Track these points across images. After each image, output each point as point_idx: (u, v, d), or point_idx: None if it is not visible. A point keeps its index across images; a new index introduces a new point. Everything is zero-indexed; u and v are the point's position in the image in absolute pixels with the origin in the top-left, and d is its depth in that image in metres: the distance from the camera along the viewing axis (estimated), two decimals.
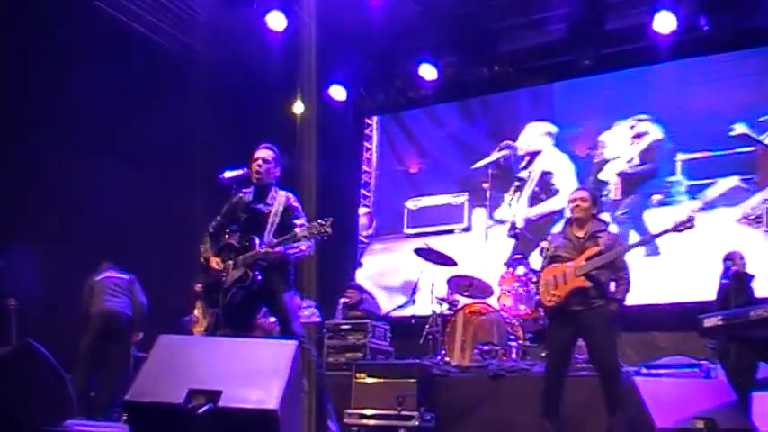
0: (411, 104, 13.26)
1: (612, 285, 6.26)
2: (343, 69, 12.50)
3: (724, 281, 8.08)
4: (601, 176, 11.13)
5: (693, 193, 10.74)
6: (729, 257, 8.29)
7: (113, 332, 8.66)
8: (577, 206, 6.35)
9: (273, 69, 11.64)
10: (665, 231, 6.15)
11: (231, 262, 6.04)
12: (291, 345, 4.37)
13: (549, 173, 11.72)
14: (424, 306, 9.34)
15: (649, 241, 6.14)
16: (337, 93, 12.75)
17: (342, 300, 10.29)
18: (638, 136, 10.94)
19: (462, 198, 12.55)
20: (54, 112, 9.45)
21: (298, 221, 6.09)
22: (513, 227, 10.61)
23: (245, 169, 6.26)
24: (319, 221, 5.80)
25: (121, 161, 10.06)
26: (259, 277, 5.97)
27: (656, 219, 10.66)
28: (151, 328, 8.01)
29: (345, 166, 13.39)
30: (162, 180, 10.61)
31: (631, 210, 10.86)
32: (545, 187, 11.70)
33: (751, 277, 8.03)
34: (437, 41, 11.91)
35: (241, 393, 4.03)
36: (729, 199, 10.45)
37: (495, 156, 12.22)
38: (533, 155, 11.96)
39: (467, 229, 12.39)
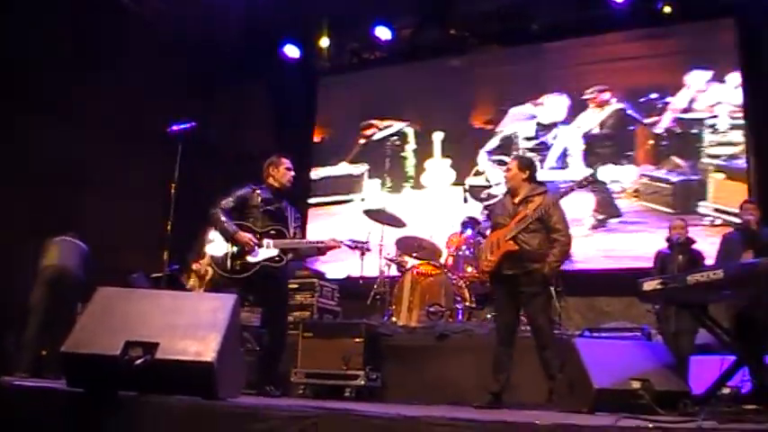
0: (365, 65, 13.18)
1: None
2: (297, 28, 12.38)
3: (663, 248, 8.22)
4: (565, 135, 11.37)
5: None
6: (673, 226, 8.42)
7: (65, 288, 8.55)
8: (505, 177, 6.60)
9: (228, 26, 11.53)
10: (572, 188, 6.31)
11: (267, 240, 6.72)
12: (230, 298, 4.36)
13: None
14: (373, 267, 9.35)
15: (560, 198, 6.31)
16: (291, 51, 12.65)
17: None
18: (600, 105, 11.19)
19: (362, 168, 12.95)
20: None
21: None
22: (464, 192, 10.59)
23: (193, 124, 6.31)
24: (363, 241, 7.20)
25: (78, 120, 9.95)
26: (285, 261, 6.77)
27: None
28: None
29: (297, 126, 13.33)
30: (117, 138, 10.52)
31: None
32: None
33: (693, 242, 8.17)
34: (394, 3, 11.85)
35: (178, 346, 4.03)
36: None
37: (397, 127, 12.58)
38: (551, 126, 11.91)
39: (363, 200, 12.69)
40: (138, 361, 3.97)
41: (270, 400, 5.09)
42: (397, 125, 12.77)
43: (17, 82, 9.46)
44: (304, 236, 7.56)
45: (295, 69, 12.86)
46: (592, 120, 11.34)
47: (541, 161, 11.33)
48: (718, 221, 10.14)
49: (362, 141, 12.97)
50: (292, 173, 7.06)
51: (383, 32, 12.15)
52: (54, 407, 4.20)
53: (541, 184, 6.55)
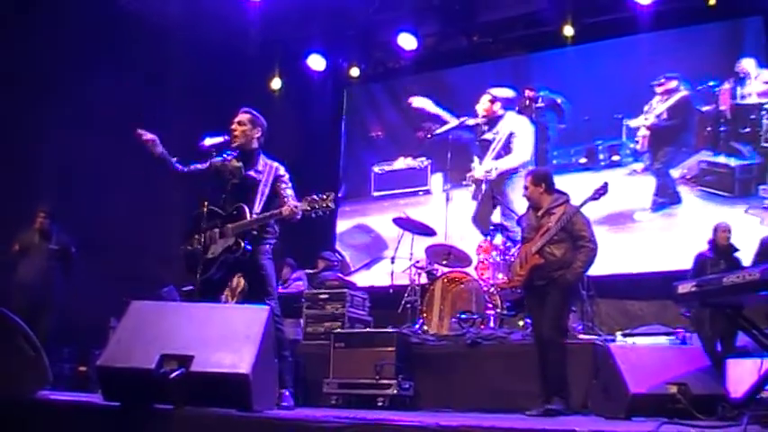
0: (390, 75, 13.24)
1: None
2: (322, 39, 12.40)
3: (704, 251, 8.10)
4: (632, 124, 11.33)
5: (637, 156, 11.22)
6: (716, 228, 8.32)
7: None
8: (523, 194, 6.59)
9: (252, 39, 11.56)
10: (587, 200, 6.25)
11: (218, 230, 5.95)
12: (264, 310, 4.36)
13: (512, 134, 12.07)
14: (403, 275, 9.34)
15: (580, 207, 6.26)
16: (316, 62, 12.67)
17: (306, 271, 10.32)
18: (667, 93, 11.08)
19: (425, 162, 12.87)
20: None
21: (286, 192, 6.05)
22: (494, 195, 10.54)
23: (226, 136, 6.18)
24: (321, 195, 5.72)
25: (97, 131, 9.98)
26: (249, 247, 5.90)
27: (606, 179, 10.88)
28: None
29: (325, 135, 13.38)
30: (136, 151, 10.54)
31: (664, 163, 11.04)
32: (507, 148, 12.09)
33: (735, 249, 8.06)
34: (418, 11, 11.86)
35: (213, 358, 4.02)
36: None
37: (455, 122, 12.54)
38: (496, 119, 12.23)
39: (427, 192, 12.74)
40: (174, 374, 3.97)
41: (305, 411, 5.04)
42: (455, 121, 12.67)
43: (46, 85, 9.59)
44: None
45: (320, 78, 12.96)
46: (657, 109, 11.21)
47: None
48: None
49: (424, 137, 12.95)
50: (232, 126, 6.13)
51: (407, 41, 12.14)
52: (91, 421, 4.21)
53: (562, 193, 6.51)
